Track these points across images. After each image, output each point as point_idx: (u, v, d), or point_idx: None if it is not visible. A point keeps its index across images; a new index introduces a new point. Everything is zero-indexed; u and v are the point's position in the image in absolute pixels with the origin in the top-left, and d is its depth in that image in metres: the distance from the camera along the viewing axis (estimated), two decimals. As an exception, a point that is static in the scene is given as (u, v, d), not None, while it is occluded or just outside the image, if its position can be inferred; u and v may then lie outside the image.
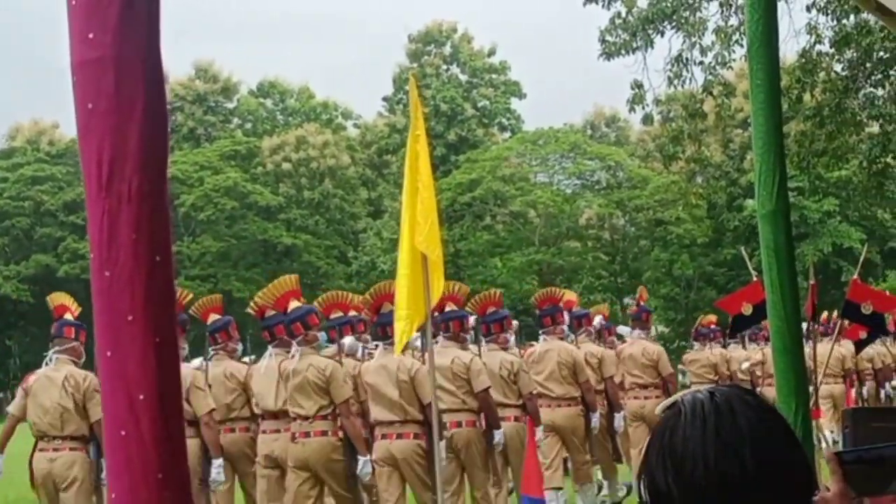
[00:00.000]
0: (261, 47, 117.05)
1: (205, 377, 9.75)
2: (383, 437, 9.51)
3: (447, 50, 70.51)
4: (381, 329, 10.12)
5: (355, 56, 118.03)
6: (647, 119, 20.18)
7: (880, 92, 18.59)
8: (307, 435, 9.27)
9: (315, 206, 66.61)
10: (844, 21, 17.18)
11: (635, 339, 13.86)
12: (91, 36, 1.79)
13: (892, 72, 18.23)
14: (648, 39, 17.86)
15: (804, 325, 17.40)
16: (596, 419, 12.20)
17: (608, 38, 18.15)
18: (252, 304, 10.68)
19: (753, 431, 1.64)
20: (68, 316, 9.68)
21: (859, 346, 12.75)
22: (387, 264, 61.25)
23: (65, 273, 62.35)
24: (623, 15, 17.78)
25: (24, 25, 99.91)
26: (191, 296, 11.11)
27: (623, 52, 18.08)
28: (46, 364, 9.42)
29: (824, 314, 18.18)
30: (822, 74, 18.11)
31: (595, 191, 61.60)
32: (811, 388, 9.78)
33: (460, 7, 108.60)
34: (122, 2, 1.74)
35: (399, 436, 9.48)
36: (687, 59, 18.03)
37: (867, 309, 11.35)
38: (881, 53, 17.85)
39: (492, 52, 71.30)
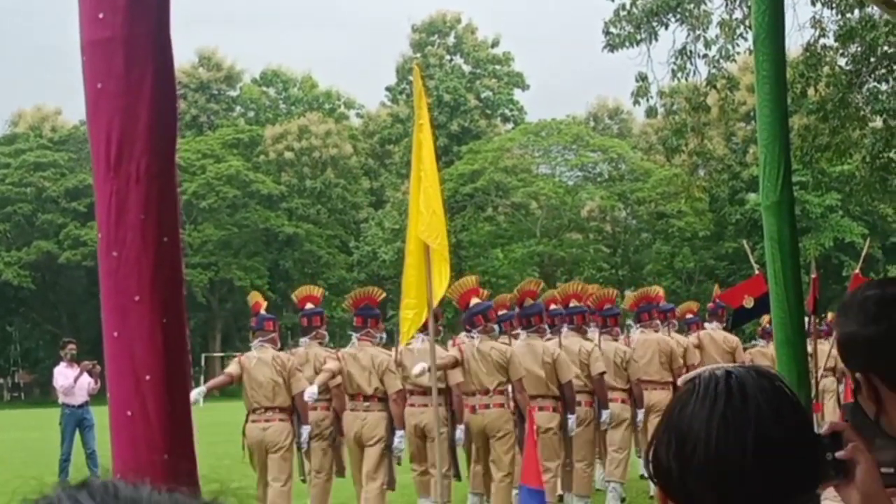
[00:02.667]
0: (264, 36, 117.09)
1: (392, 359, 10.95)
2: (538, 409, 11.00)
3: (451, 40, 70.44)
4: (527, 319, 11.50)
5: (358, 45, 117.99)
6: (650, 112, 20.11)
7: (884, 87, 18.53)
8: (486, 407, 10.69)
9: (317, 196, 66.62)
10: (849, 15, 17.13)
11: (715, 329, 15.01)
12: (101, 16, 1.79)
13: (895, 66, 18.20)
14: (653, 32, 17.80)
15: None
16: None
17: (612, 29, 18.09)
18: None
19: (761, 418, 1.63)
20: (264, 311, 11.34)
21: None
22: (388, 254, 61.29)
23: (66, 259, 62.39)
24: (627, 7, 17.73)
25: (25, 10, 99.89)
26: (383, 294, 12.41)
27: (627, 44, 18.03)
28: (253, 349, 11.02)
29: (830, 315, 18.17)
30: (826, 69, 18.07)
31: (597, 183, 61.57)
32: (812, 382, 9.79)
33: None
34: (131, -18, 1.74)
35: (541, 408, 11.03)
36: (691, 51, 17.98)
37: (869, 302, 11.29)
38: (886, 48, 17.81)
39: (495, 43, 71.27)
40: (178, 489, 0.79)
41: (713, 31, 17.94)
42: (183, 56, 72.95)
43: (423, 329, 10.29)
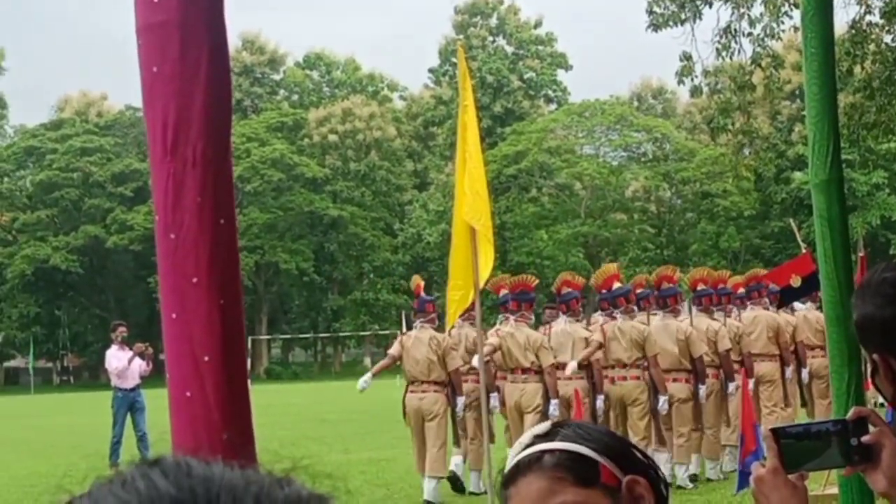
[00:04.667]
0: (307, 19, 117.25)
1: (547, 339, 12.20)
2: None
3: (493, 21, 70.26)
4: (663, 301, 12.87)
5: (401, 28, 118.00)
6: (695, 91, 19.95)
7: (932, 64, 18.33)
8: (624, 379, 12.18)
9: (361, 178, 66.74)
10: (896, -10, 16.94)
11: (809, 309, 15.45)
12: (156, 0, 1.81)
13: (944, 43, 17.97)
14: (696, 10, 17.66)
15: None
16: (789, 371, 14.58)
17: (656, 9, 17.95)
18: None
19: None
20: (424, 294, 12.66)
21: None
22: (432, 236, 61.32)
23: (113, 244, 62.89)
24: (671, -14, 17.60)
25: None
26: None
27: (671, 23, 17.89)
28: (413, 329, 12.44)
29: None
30: (871, 46, 17.85)
31: (641, 163, 61.28)
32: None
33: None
34: (185, -33, 1.76)
35: (675, 380, 12.51)
36: (735, 30, 17.83)
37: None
38: (935, 23, 17.60)
39: (538, 24, 71.00)
40: (249, 466, 0.80)
41: (757, 9, 17.77)
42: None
43: (666, 306, 12.61)
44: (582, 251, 60.06)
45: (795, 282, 12.47)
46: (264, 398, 23.61)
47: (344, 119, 66.87)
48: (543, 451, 1.72)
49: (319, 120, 66.91)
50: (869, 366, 2.24)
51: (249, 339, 62.62)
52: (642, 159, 61.64)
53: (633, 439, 11.28)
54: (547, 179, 60.50)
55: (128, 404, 16.09)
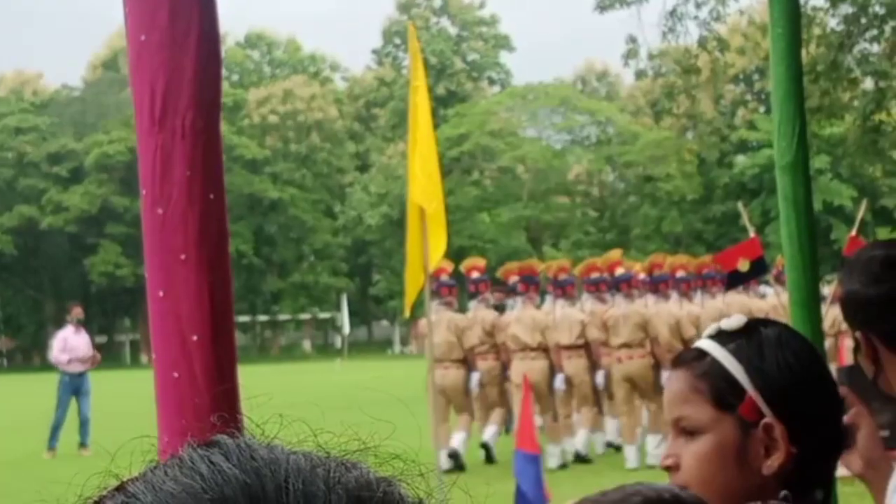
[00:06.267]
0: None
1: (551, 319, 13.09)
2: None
3: (437, 2, 70.10)
4: (654, 286, 13.66)
5: (344, 7, 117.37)
6: (640, 74, 20.03)
7: (875, 48, 18.51)
8: (630, 358, 12.87)
9: (302, 160, 66.45)
10: (841, -25, 17.10)
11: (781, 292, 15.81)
12: (144, -34, 1.75)
13: (887, 27, 18.14)
14: (644, -8, 17.74)
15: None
16: None
17: (603, -10, 18.02)
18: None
19: None
20: (444, 277, 13.18)
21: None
22: (374, 219, 61.21)
23: (48, 225, 62.16)
24: (619, -33, 17.64)
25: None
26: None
27: (618, 4, 17.95)
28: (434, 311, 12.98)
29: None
30: (816, 30, 18.00)
31: (584, 146, 61.52)
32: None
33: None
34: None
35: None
36: (682, 13, 17.91)
37: (866, 265, 11.23)
38: (877, 8, 17.77)
39: (482, 5, 70.94)
40: (308, 451, 0.75)
41: (704, -9, 17.88)
42: (166, 19, 72.50)
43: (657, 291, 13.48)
44: (524, 234, 60.25)
45: (743, 266, 12.53)
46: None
47: (285, 100, 66.49)
48: (706, 353, 1.64)
49: (260, 100, 66.47)
50: (851, 343, 2.23)
51: (189, 320, 62.19)
52: (585, 142, 61.89)
53: (646, 414, 12.96)
54: (489, 162, 60.58)
55: (73, 388, 15.83)
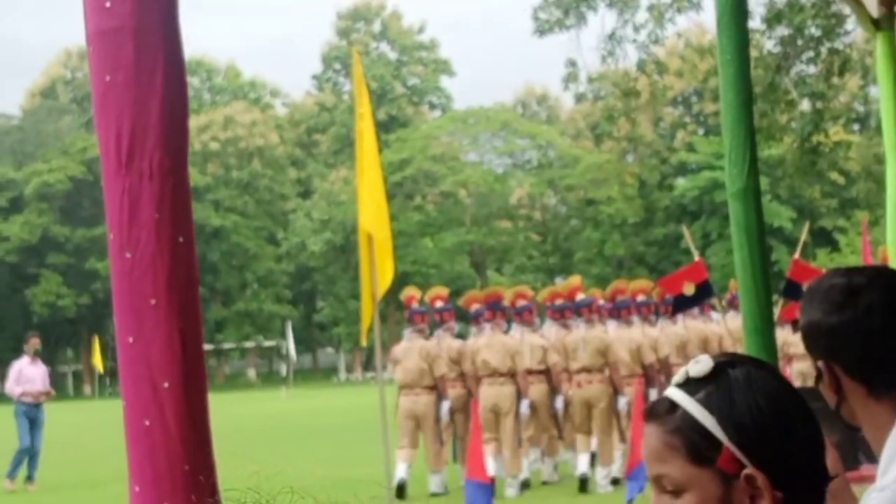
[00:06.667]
0: (187, 23, 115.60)
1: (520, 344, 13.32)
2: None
3: (376, 27, 70.20)
4: (617, 311, 14.00)
5: (283, 34, 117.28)
6: (580, 97, 20.15)
7: (812, 70, 18.71)
8: (590, 382, 13.09)
9: (244, 187, 66.12)
10: (776, -2, 17.27)
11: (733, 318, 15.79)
12: (108, 5, 1.70)
13: (823, 49, 18.34)
14: (582, 16, 17.85)
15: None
16: None
17: (541, 14, 18.12)
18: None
19: None
20: (415, 305, 13.35)
21: (796, 325, 12.73)
22: (317, 245, 60.99)
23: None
24: (556, -9, 17.75)
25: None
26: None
27: (556, 28, 18.06)
28: (404, 339, 13.48)
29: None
30: (753, 52, 18.16)
31: (526, 170, 61.75)
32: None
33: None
34: (137, -30, 1.66)
35: (628, 384, 13.36)
36: (620, 36, 18.04)
37: (809, 288, 11.28)
38: (813, 31, 17.97)
39: (422, 30, 71.15)
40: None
41: (642, 16, 18.01)
42: (104, 47, 72.02)
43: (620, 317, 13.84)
44: (467, 259, 60.33)
45: (689, 289, 12.56)
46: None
47: (225, 126, 66.20)
48: (676, 405, 1.59)
49: (200, 127, 66.06)
50: (814, 372, 2.22)
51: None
52: (527, 166, 62.13)
53: (598, 437, 13.07)
54: (432, 187, 60.63)
55: (30, 419, 15.66)
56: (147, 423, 1.68)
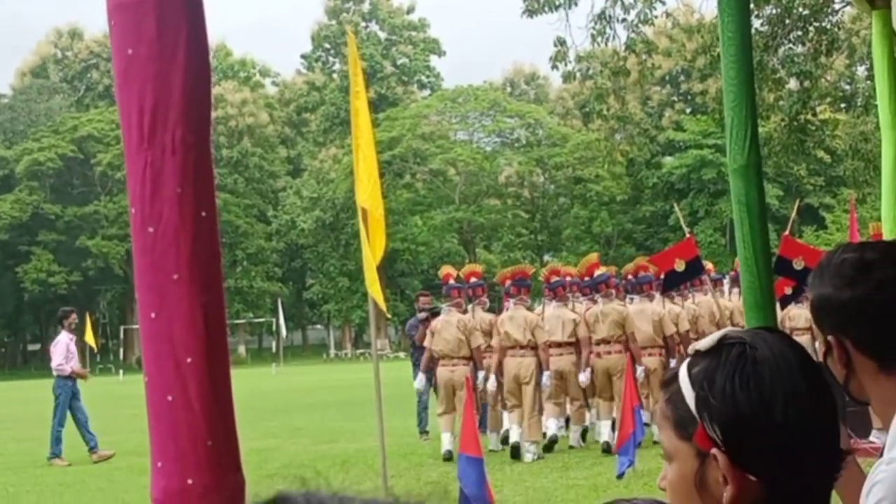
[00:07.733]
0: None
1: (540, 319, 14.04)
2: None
3: (366, 7, 69.98)
4: (639, 287, 14.79)
5: (274, 12, 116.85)
6: (568, 76, 20.05)
7: (800, 49, 18.72)
8: (609, 353, 13.87)
9: (234, 165, 65.97)
10: (765, -24, 17.27)
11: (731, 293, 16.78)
12: (129, -23, 1.69)
13: (810, 28, 18.35)
14: (572, -4, 17.78)
15: (727, 280, 17.70)
16: None
17: (531, -6, 18.05)
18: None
19: None
20: (452, 281, 14.24)
21: (784, 302, 12.73)
22: (307, 223, 60.94)
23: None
24: (547, -29, 17.67)
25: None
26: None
27: (546, 8, 17.99)
28: (442, 313, 14.26)
29: None
30: (742, 31, 18.15)
31: (515, 148, 61.70)
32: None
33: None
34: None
35: (650, 354, 14.26)
36: (610, 16, 17.99)
37: (799, 264, 11.33)
38: (801, 10, 17.97)
39: (411, 10, 70.92)
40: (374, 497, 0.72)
41: (632, -4, 17.96)
42: (95, 25, 71.85)
43: (641, 291, 14.63)
44: (456, 237, 60.34)
45: (680, 266, 12.62)
46: (138, 388, 23.13)
47: (215, 105, 65.78)
48: (676, 376, 1.57)
49: (190, 106, 65.91)
50: (822, 347, 2.22)
51: (122, 328, 61.46)
52: (515, 145, 62.09)
53: (618, 404, 13.33)
54: (421, 165, 60.57)
55: (70, 392, 15.71)
56: (170, 398, 1.67)
